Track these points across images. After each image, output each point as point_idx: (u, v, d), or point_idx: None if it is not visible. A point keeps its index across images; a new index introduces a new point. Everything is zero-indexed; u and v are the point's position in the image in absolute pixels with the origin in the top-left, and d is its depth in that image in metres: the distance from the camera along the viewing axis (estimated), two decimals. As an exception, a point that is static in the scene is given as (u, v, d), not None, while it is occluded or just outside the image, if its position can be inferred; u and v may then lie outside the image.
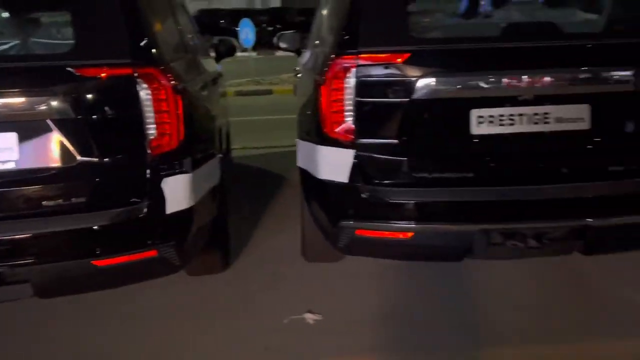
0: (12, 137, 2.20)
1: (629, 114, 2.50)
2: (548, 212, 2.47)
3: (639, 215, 2.49)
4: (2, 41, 2.82)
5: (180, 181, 2.41)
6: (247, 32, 12.83)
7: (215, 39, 4.63)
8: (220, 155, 3.23)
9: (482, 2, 2.99)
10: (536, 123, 2.41)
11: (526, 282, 3.01)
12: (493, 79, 2.37)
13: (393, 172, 2.49)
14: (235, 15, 19.04)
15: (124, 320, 2.78)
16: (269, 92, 11.10)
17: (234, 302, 2.92)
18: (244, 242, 3.63)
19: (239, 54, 7.85)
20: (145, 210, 2.32)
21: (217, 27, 19.07)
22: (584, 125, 2.43)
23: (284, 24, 19.38)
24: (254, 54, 14.28)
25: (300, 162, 2.89)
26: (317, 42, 3.23)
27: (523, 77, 2.36)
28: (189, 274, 3.07)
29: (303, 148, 2.87)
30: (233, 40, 4.84)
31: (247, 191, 4.66)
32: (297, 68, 4.16)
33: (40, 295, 2.35)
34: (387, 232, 2.50)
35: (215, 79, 3.97)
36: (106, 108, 2.28)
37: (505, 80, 2.36)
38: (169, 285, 2.94)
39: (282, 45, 4.13)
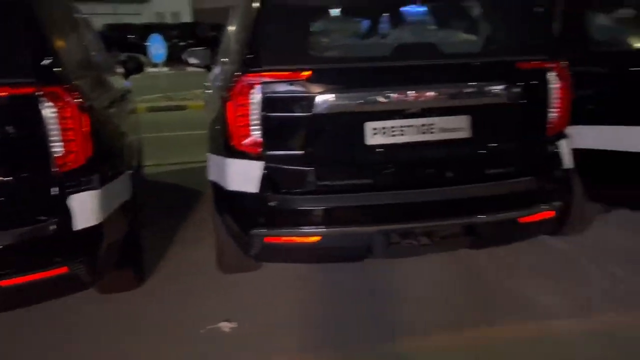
0: None
1: (504, 123, 2.84)
2: (439, 212, 2.74)
3: (517, 211, 2.84)
4: None
5: (88, 198, 2.42)
6: (157, 47, 12.66)
7: (123, 56, 4.61)
8: (131, 171, 3.24)
9: (381, 25, 3.25)
10: (424, 133, 2.69)
11: (425, 277, 3.26)
12: (384, 94, 2.61)
13: (299, 181, 2.66)
14: (145, 31, 18.65)
15: (44, 339, 2.71)
16: (183, 107, 10.96)
17: (149, 315, 2.93)
18: (159, 257, 3.62)
19: (150, 69, 7.75)
20: (52, 227, 2.31)
21: (125, 42, 18.55)
22: (465, 134, 2.74)
23: (196, 39, 19.26)
24: (165, 69, 14.07)
25: (212, 175, 2.98)
26: (225, 59, 3.35)
27: (410, 92, 2.62)
28: (101, 292, 3.03)
29: (213, 161, 2.96)
30: (141, 56, 4.83)
31: (162, 207, 4.64)
32: (207, 84, 4.23)
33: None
34: (295, 238, 2.66)
35: (124, 95, 3.96)
36: (9, 127, 2.26)
37: (394, 95, 2.61)
38: (82, 303, 2.91)
39: (192, 61, 4.14)
